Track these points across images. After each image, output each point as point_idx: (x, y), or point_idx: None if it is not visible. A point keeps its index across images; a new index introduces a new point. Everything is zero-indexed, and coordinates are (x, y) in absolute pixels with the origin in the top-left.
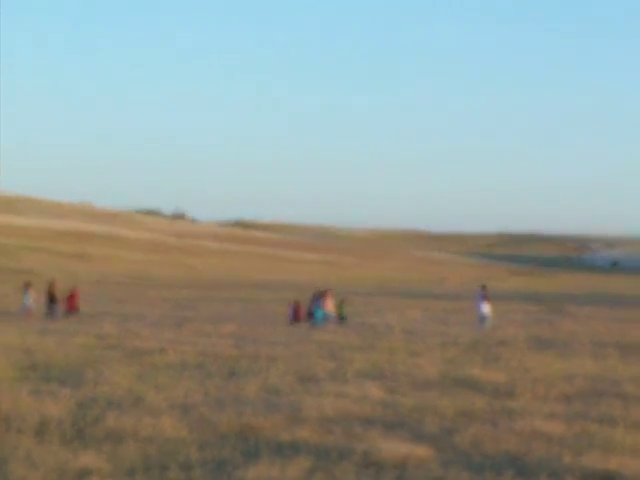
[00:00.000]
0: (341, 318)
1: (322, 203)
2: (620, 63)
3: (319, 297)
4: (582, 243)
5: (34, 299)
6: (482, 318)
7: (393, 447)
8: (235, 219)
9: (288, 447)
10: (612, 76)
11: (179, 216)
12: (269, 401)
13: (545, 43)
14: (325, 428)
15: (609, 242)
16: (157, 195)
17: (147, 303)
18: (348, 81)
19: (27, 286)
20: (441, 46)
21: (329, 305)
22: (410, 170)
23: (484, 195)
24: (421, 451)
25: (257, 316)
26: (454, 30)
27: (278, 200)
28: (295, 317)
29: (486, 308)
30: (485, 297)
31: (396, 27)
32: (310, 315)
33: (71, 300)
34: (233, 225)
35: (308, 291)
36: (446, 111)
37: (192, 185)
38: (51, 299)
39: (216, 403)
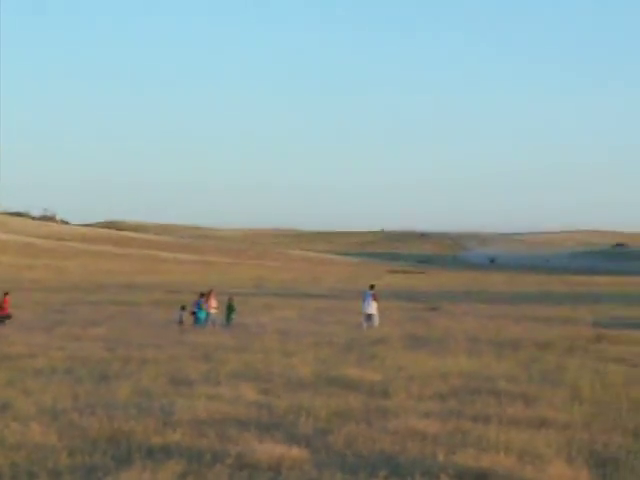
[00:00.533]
0: (229, 318)
1: (194, 202)
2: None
3: (202, 297)
4: (458, 241)
5: None
6: (368, 317)
7: (267, 449)
8: (105, 220)
9: (160, 451)
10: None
11: (49, 218)
12: (141, 405)
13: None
14: (198, 431)
15: (484, 239)
16: (25, 197)
17: (16, 307)
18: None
19: None
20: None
21: (212, 305)
22: (281, 167)
23: (358, 193)
24: (295, 452)
25: (130, 318)
26: None
27: (148, 201)
28: (181, 320)
29: (373, 307)
30: (374, 296)
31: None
32: (194, 315)
33: None
34: (104, 226)
35: (183, 292)
36: (303, 113)
37: (61, 186)
38: None
39: (86, 408)
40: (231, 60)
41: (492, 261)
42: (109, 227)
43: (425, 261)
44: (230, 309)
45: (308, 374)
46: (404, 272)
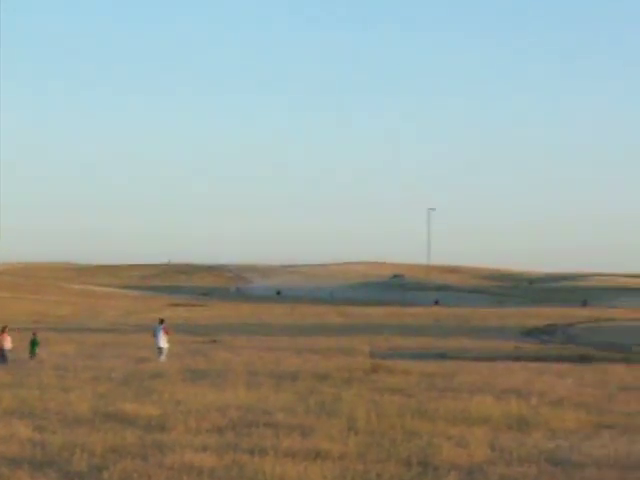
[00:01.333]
0: (32, 352)
1: None
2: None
3: None
4: (239, 273)
5: None
6: (160, 350)
7: None
8: None
9: None
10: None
11: None
12: None
13: None
14: None
15: (266, 271)
16: None
17: None
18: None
19: None
20: None
21: (7, 343)
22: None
23: (146, 224)
24: None
25: None
26: None
27: None
28: None
29: (164, 340)
30: (165, 330)
31: None
32: None
33: None
34: None
35: None
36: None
37: None
38: None
39: None
40: None
41: (278, 293)
42: None
43: (207, 294)
44: (33, 344)
45: (85, 410)
46: (185, 305)
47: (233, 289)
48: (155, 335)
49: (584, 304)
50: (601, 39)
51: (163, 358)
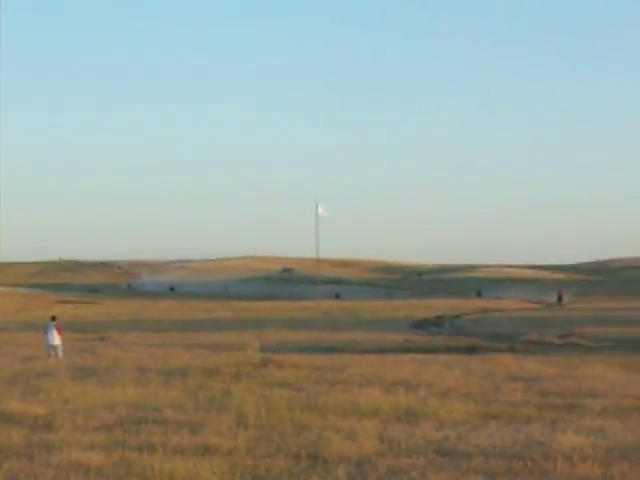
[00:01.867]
0: None
1: None
2: None
3: None
4: (129, 269)
5: None
6: (53, 348)
7: None
8: None
9: None
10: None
11: None
12: None
13: None
14: None
15: (156, 267)
16: None
17: None
18: None
19: None
20: None
21: None
22: None
23: (24, 224)
24: None
25: None
26: None
27: None
28: None
29: (57, 338)
30: (57, 328)
31: None
32: None
33: None
34: None
35: None
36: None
37: None
38: None
39: None
40: None
41: (172, 289)
42: None
43: (97, 290)
44: None
45: None
46: (74, 302)
47: (124, 285)
48: (46, 333)
49: (479, 295)
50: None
51: (60, 354)
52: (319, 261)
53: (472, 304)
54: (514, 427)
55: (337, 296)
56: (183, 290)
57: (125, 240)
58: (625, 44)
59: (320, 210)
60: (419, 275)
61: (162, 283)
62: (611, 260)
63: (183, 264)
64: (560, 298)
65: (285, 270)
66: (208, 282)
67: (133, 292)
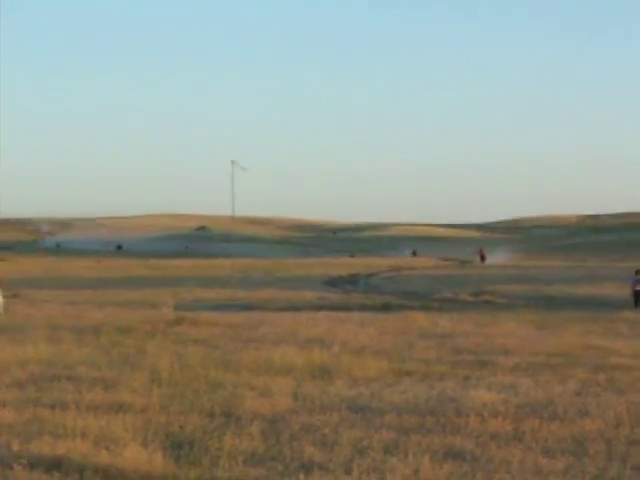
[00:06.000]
0: None
1: None
2: None
3: None
4: (37, 226)
5: None
6: None
7: None
8: None
9: None
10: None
11: None
12: None
13: None
14: None
15: (66, 224)
16: None
17: None
18: None
19: None
20: None
21: None
22: None
23: None
24: None
25: None
26: None
27: None
28: None
29: None
30: None
31: None
32: None
33: None
34: None
35: None
36: None
37: None
38: None
39: None
40: None
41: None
42: None
43: (9, 247)
44: None
45: None
46: None
47: (50, 243)
48: None
49: (414, 254)
50: None
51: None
52: (234, 219)
53: (387, 262)
54: (427, 384)
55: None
56: (70, 246)
57: (41, 198)
58: None
59: (240, 166)
60: (334, 233)
61: (56, 240)
62: (524, 219)
63: (98, 221)
64: (482, 257)
65: (200, 228)
66: (115, 239)
67: (37, 248)
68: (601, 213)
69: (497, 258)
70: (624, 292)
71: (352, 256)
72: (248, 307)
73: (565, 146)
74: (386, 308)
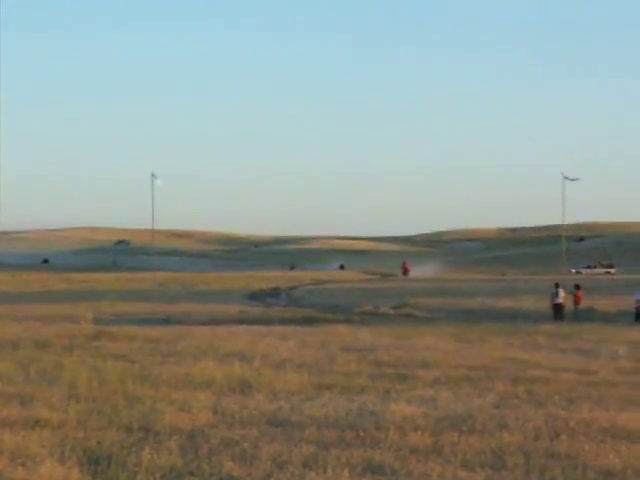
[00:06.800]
0: None
1: None
2: None
3: None
4: None
5: None
6: None
7: None
8: None
9: None
10: None
11: None
12: None
13: None
14: None
15: None
16: None
17: None
18: None
19: None
20: None
21: None
22: None
23: None
24: None
25: None
26: None
27: None
28: None
29: None
30: None
31: None
32: None
33: None
34: None
35: None
36: None
37: None
38: None
39: None
40: None
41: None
42: None
43: None
44: None
45: None
46: None
47: None
48: None
49: (342, 267)
50: None
51: None
52: (154, 232)
53: (303, 276)
54: (347, 397)
55: (292, 267)
56: (7, 262)
57: None
58: None
59: (158, 181)
60: (255, 246)
61: (9, 255)
62: (446, 232)
63: (9, 235)
64: (405, 271)
65: (120, 242)
66: (33, 254)
67: None
68: (520, 226)
69: (420, 271)
70: (543, 305)
71: (292, 268)
72: (168, 321)
73: (485, 158)
74: (307, 321)
